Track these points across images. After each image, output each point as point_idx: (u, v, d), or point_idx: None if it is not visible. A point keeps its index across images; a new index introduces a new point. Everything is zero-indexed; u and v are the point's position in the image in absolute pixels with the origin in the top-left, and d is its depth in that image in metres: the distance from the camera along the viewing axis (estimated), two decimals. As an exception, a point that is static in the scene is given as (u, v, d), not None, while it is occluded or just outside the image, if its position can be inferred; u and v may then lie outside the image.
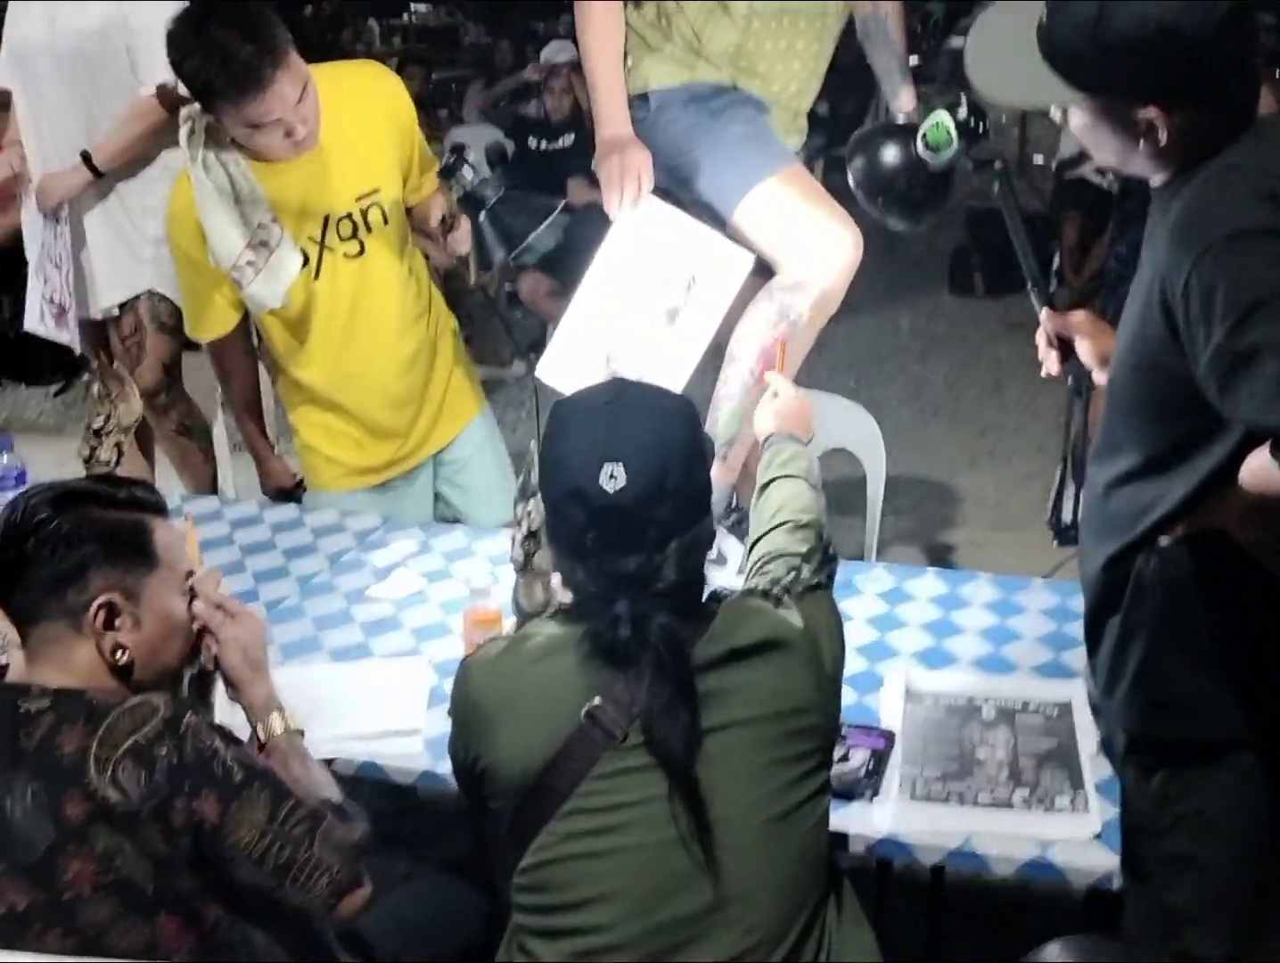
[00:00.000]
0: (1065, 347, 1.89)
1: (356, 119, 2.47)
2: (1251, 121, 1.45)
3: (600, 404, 1.51)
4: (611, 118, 2.37)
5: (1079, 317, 1.88)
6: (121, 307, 3.19)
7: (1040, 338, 1.92)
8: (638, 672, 1.44)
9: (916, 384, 5.76)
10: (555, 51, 6.31)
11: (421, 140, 2.63)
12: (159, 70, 2.93)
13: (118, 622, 1.50)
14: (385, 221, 2.50)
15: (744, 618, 1.53)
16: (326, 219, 2.45)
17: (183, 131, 2.43)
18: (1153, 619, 1.57)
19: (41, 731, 1.44)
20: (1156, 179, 1.53)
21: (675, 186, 2.47)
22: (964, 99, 1.87)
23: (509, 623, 2.01)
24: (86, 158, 3.09)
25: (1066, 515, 2.20)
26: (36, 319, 3.22)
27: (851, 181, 2.19)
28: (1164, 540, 1.54)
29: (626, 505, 1.43)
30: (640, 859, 1.45)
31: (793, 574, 1.63)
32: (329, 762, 1.85)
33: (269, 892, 1.46)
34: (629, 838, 1.45)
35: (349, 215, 2.47)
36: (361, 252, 2.50)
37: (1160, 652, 1.57)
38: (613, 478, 1.43)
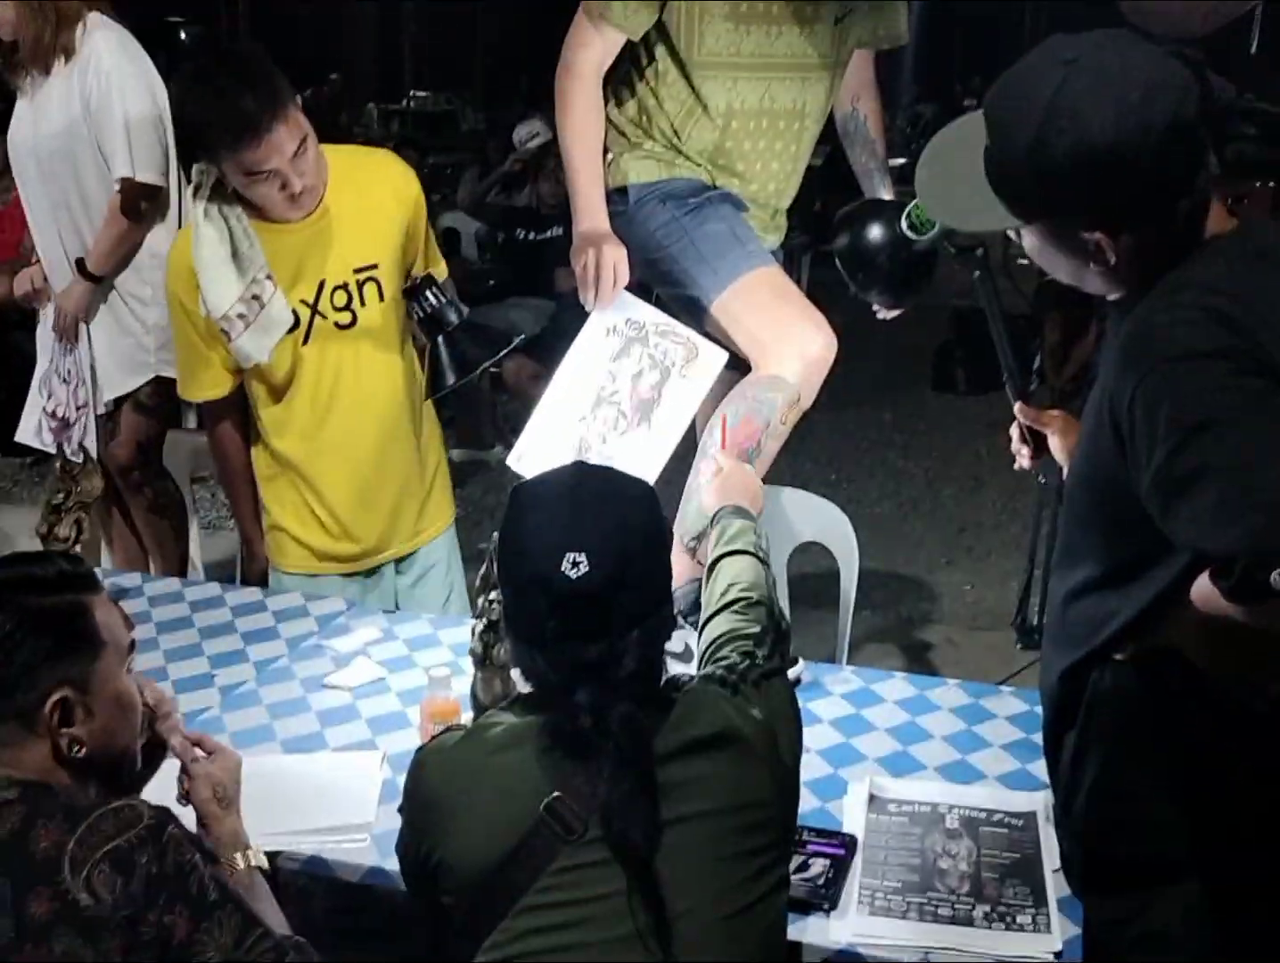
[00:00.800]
0: (1038, 442, 1.89)
1: (364, 196, 2.50)
2: (1200, 239, 1.45)
3: (562, 490, 1.50)
4: (589, 211, 2.39)
5: (1052, 413, 1.89)
6: None
7: (1014, 431, 1.92)
8: (598, 763, 1.41)
9: (897, 480, 5.77)
10: (528, 132, 6.30)
11: (430, 233, 2.65)
12: (123, 164, 2.96)
13: (72, 716, 1.45)
14: (380, 299, 2.50)
15: (702, 708, 1.50)
16: (322, 284, 2.46)
17: (191, 185, 2.46)
18: (1107, 735, 1.54)
19: (10, 824, 1.39)
20: (1112, 295, 1.53)
21: (652, 281, 2.49)
22: None
23: (467, 716, 1.97)
24: (80, 266, 3.08)
25: (1033, 618, 2.18)
26: (32, 433, 3.17)
27: (836, 258, 2.19)
28: (1119, 655, 1.52)
29: (589, 593, 1.41)
30: (597, 957, 1.40)
31: (747, 660, 1.60)
32: (275, 855, 1.80)
33: None
34: (586, 935, 1.41)
35: (344, 285, 2.47)
36: (354, 323, 2.50)
37: (1115, 769, 1.55)
38: (575, 565, 1.41)
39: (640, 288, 2.45)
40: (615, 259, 2.31)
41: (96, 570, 2.68)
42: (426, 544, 2.71)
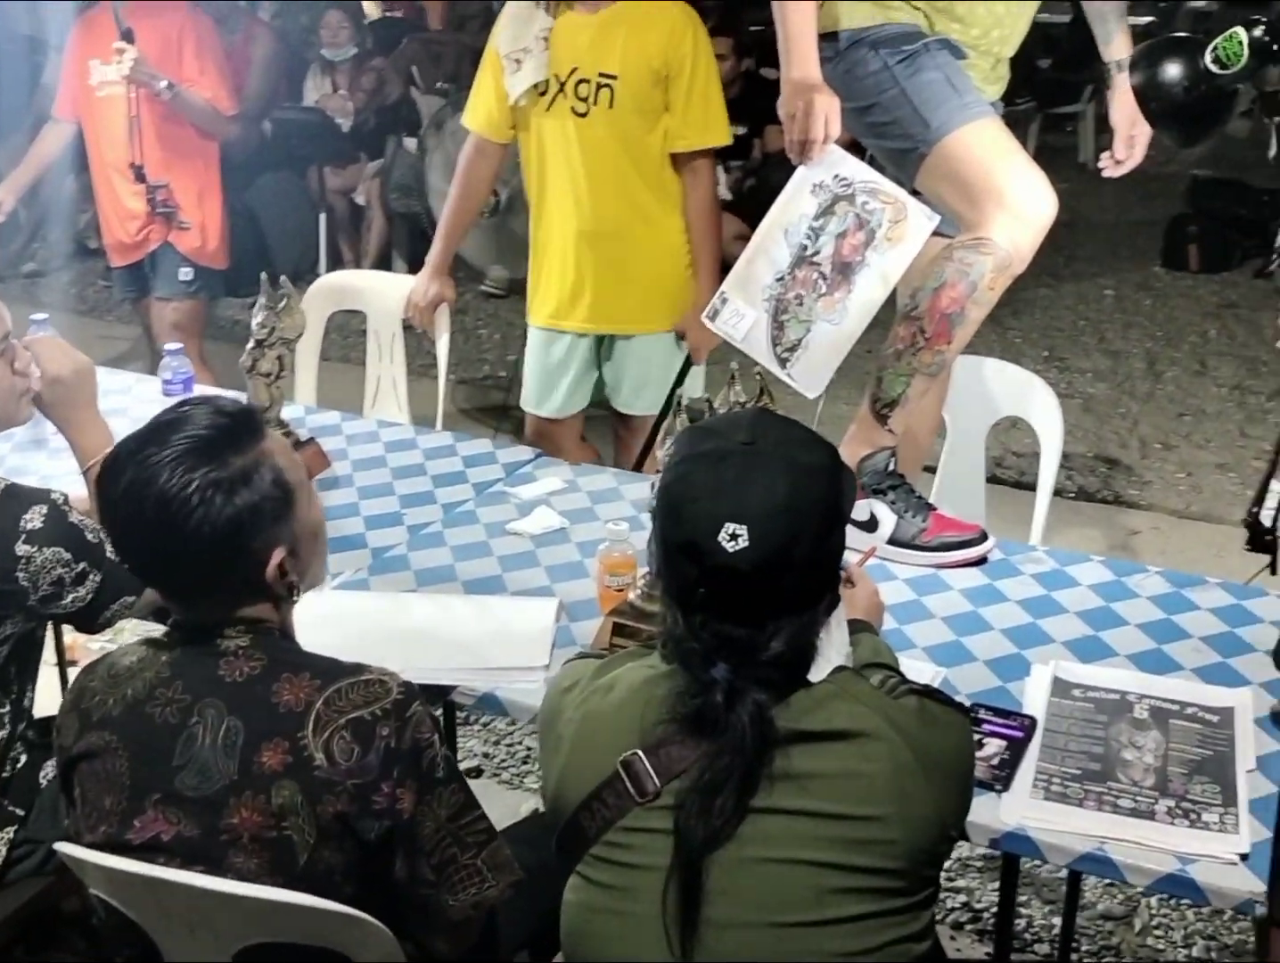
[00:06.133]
0: None
1: (638, 26, 2.87)
2: None
3: (734, 447, 1.36)
4: (800, 59, 2.25)
5: None
6: None
7: None
8: (709, 739, 1.32)
9: (1115, 359, 5.49)
10: None
11: (707, 100, 2.91)
12: None
13: (287, 567, 1.48)
14: (610, 106, 2.88)
15: (836, 699, 1.36)
16: (574, 70, 2.89)
17: None
18: None
19: (249, 670, 1.43)
20: None
21: (859, 133, 2.36)
22: (1264, 20, 1.83)
23: (643, 571, 1.96)
24: None
25: (1267, 515, 2.00)
26: None
27: (1134, 89, 2.12)
28: None
29: (744, 571, 1.30)
30: (626, 929, 1.35)
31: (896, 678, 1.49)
32: (450, 689, 1.84)
33: (422, 888, 1.44)
34: (624, 902, 1.35)
35: (587, 80, 2.89)
36: (586, 114, 2.90)
37: None
38: (734, 538, 1.29)
39: (847, 144, 2.33)
40: (827, 111, 2.19)
41: (297, 406, 2.79)
42: (629, 338, 3.07)
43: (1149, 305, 6.12)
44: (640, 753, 1.35)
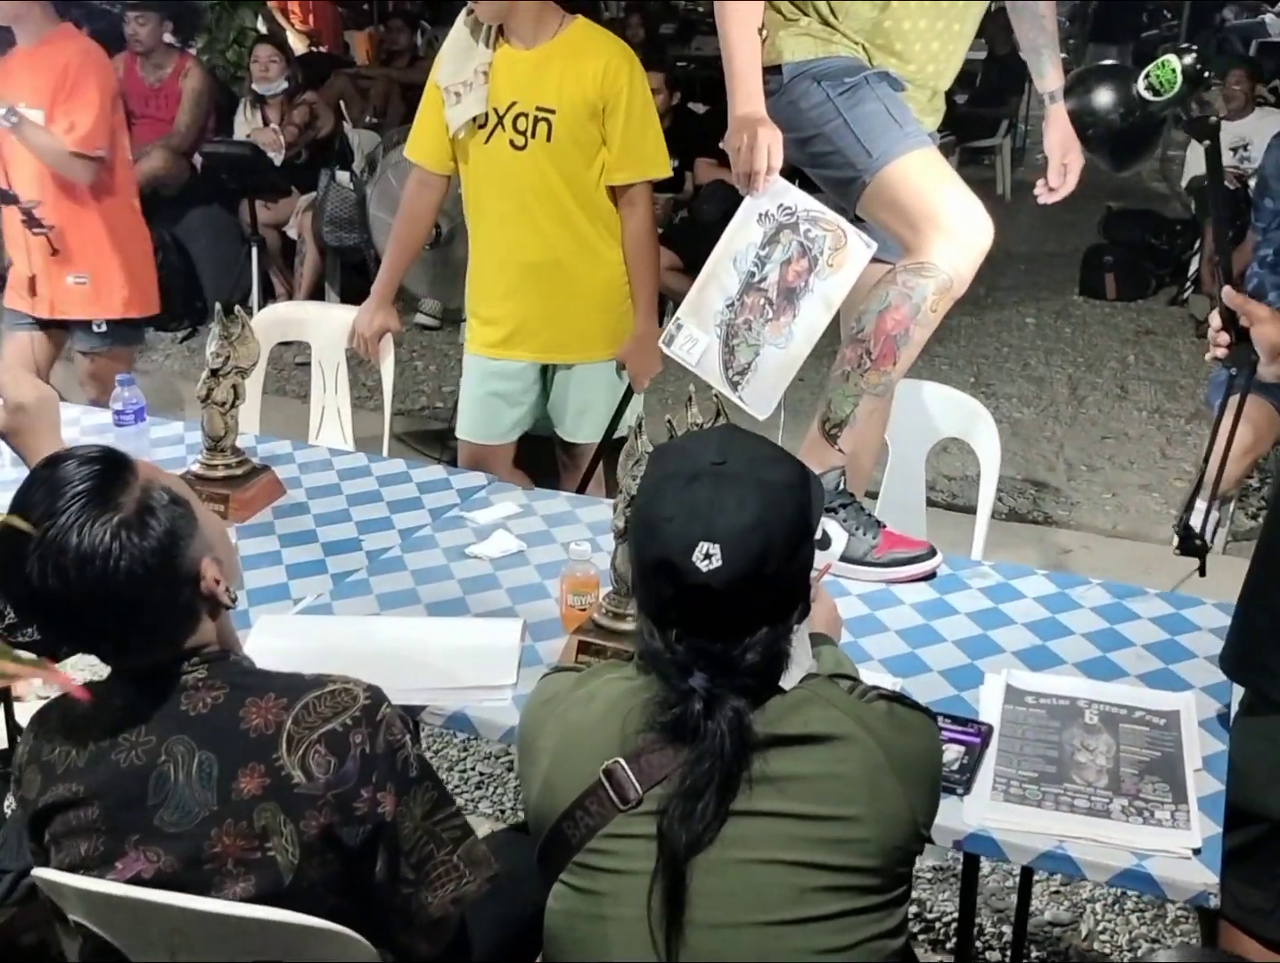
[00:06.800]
0: (1238, 332, 1.85)
1: (575, 59, 2.93)
2: None
3: (705, 466, 1.40)
4: (746, 94, 2.31)
5: (1260, 304, 1.85)
6: None
7: (1214, 317, 1.88)
8: (688, 746, 1.36)
9: (1038, 385, 5.65)
10: None
11: (638, 130, 2.96)
12: None
13: (218, 574, 1.47)
14: (548, 140, 2.93)
15: (810, 704, 1.41)
16: (513, 104, 2.94)
17: None
18: None
19: (212, 700, 1.43)
20: None
21: (802, 163, 2.43)
22: (1194, 48, 1.91)
23: (606, 590, 2.00)
24: None
25: (1195, 520, 2.10)
26: None
27: (1070, 116, 2.23)
28: None
29: (718, 589, 1.34)
30: (609, 932, 1.39)
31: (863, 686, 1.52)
32: (419, 710, 1.86)
33: (402, 888, 1.44)
34: (608, 907, 1.39)
35: (525, 114, 2.94)
36: (524, 147, 2.95)
37: None
38: (707, 557, 1.33)
39: (790, 175, 2.40)
40: (771, 140, 2.25)
41: (247, 435, 2.79)
42: (570, 367, 3.11)
43: (1069, 333, 6.30)
44: (622, 761, 1.38)
